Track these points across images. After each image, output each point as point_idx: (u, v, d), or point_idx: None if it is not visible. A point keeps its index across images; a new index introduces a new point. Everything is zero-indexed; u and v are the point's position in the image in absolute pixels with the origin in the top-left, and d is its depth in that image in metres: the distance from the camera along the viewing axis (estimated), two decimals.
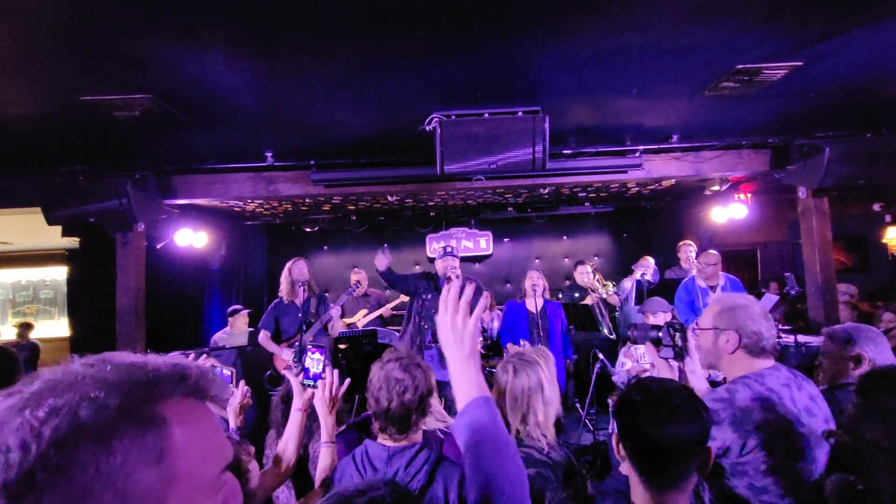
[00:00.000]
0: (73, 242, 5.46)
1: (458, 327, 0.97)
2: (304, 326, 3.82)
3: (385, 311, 5.50)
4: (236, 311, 5.11)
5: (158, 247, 5.06)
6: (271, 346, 4.03)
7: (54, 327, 7.69)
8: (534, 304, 4.16)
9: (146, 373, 0.54)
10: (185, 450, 0.53)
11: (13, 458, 0.45)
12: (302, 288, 3.96)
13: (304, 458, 2.01)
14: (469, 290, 0.97)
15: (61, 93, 2.73)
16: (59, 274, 7.54)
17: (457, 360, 0.97)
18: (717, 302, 1.69)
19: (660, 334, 1.80)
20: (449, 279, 4.06)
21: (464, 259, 7.04)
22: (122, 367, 0.53)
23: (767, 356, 1.58)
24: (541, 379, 1.75)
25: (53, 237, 5.07)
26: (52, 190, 3.82)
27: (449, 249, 4.17)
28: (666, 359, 1.78)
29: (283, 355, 3.96)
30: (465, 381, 0.96)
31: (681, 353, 1.72)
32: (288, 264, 4.13)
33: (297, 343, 3.84)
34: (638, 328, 1.92)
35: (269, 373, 4.15)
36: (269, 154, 3.99)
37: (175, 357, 0.59)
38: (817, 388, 1.61)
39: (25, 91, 2.71)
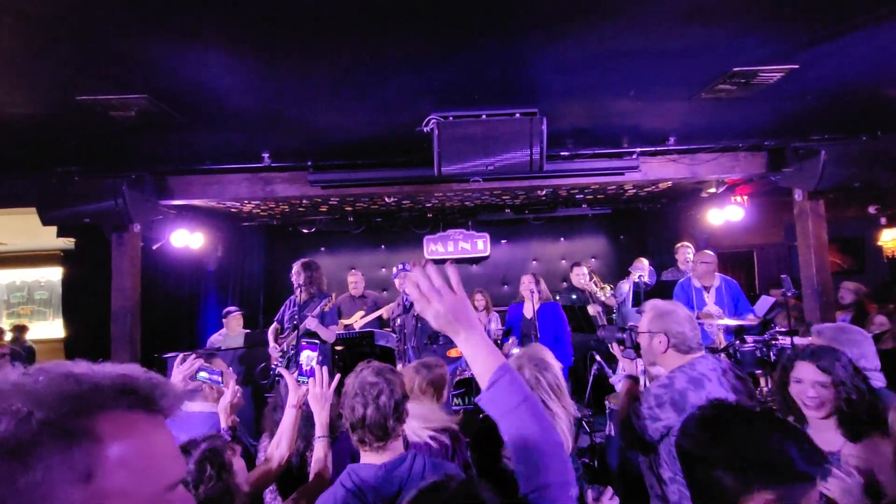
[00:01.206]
0: (68, 243, 5.43)
1: (440, 311, 0.92)
2: (297, 326, 3.84)
3: (383, 312, 5.48)
4: (230, 313, 5.10)
5: (154, 248, 5.04)
6: (269, 338, 4.07)
7: (49, 328, 7.63)
8: (530, 308, 4.17)
9: (82, 385, 0.51)
10: (119, 467, 0.50)
11: None
12: (300, 289, 3.96)
13: (302, 466, 1.99)
14: (430, 269, 0.94)
15: (57, 92, 2.72)
16: (53, 275, 7.49)
17: (460, 342, 0.96)
18: (651, 309, 1.97)
19: (623, 336, 2.05)
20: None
21: (461, 261, 7.05)
22: (57, 378, 0.51)
23: (695, 352, 1.86)
24: (558, 376, 1.77)
25: (48, 238, 5.03)
26: (48, 190, 3.79)
27: (400, 267, 4.20)
28: (629, 357, 2.04)
29: (271, 352, 3.96)
30: (477, 358, 0.95)
31: (639, 351, 1.99)
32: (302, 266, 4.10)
33: (284, 343, 3.87)
34: (606, 329, 2.17)
35: (262, 365, 4.16)
36: (266, 155, 3.98)
37: (128, 367, 0.56)
38: (741, 370, 1.89)
39: (21, 90, 2.70)
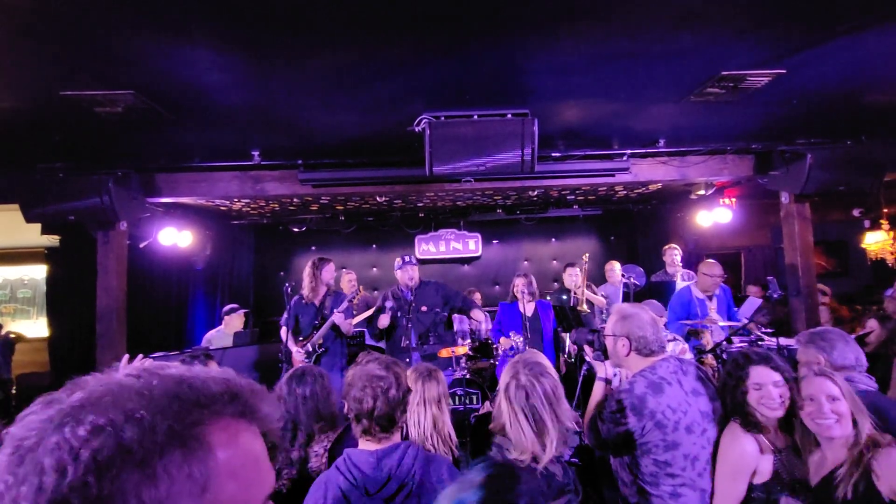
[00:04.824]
0: (52, 241, 5.32)
1: None
2: (314, 328, 3.86)
3: (372, 313, 5.46)
4: (233, 311, 4.96)
5: (141, 246, 4.97)
6: (290, 344, 3.97)
7: (32, 327, 7.48)
8: (523, 306, 4.18)
9: (195, 391, 0.48)
10: (229, 479, 0.47)
11: (47, 482, 0.40)
12: (324, 287, 3.96)
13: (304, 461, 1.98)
14: None
15: (41, 87, 2.66)
16: (37, 273, 7.34)
17: None
18: (615, 312, 1.97)
19: (593, 338, 2.12)
20: (409, 288, 4.08)
21: (452, 261, 7.05)
22: (171, 381, 0.48)
23: (657, 355, 1.88)
24: (557, 387, 1.66)
25: (32, 235, 4.94)
26: (31, 187, 3.72)
27: (408, 259, 4.16)
28: (597, 360, 2.08)
29: (296, 356, 3.88)
30: None
31: (605, 354, 2.05)
32: (314, 262, 4.02)
33: (308, 344, 3.85)
34: (578, 332, 2.23)
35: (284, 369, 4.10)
36: (256, 153, 3.94)
37: (225, 371, 0.54)
38: (704, 372, 1.92)
39: (3, 85, 2.64)
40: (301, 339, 3.94)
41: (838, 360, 1.96)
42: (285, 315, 4.03)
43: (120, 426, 0.43)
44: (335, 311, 3.91)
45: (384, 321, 4.01)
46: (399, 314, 4.05)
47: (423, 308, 4.10)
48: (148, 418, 0.44)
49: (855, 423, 1.55)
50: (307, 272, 4.01)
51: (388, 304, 4.04)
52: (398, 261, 4.20)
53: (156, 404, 0.45)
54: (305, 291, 3.99)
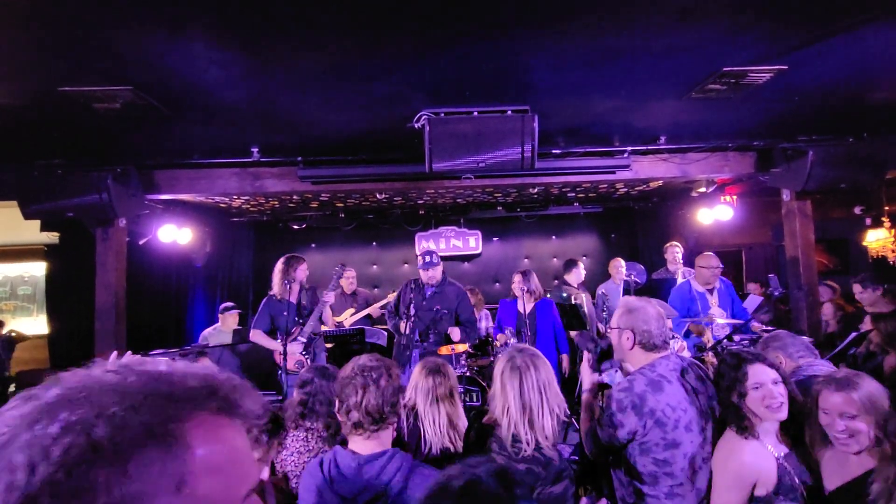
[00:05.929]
0: (52, 238, 5.32)
1: None
2: (300, 322, 3.84)
3: (372, 310, 5.47)
4: (227, 309, 5.00)
5: (141, 243, 4.96)
6: (269, 343, 3.88)
7: (32, 325, 7.49)
8: (522, 305, 4.18)
9: (172, 386, 0.48)
10: (207, 475, 0.47)
11: (18, 478, 0.40)
12: (298, 285, 3.92)
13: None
14: None
15: (39, 83, 2.65)
16: (37, 270, 7.34)
17: None
18: (621, 305, 1.95)
19: (591, 345, 2.09)
20: (430, 286, 4.03)
21: (452, 258, 7.04)
22: (147, 377, 0.48)
23: (660, 350, 1.85)
24: (550, 376, 1.72)
25: (32, 232, 4.94)
26: (29, 183, 3.71)
27: (429, 259, 4.02)
28: (589, 365, 2.05)
29: (292, 348, 3.82)
30: None
31: (601, 361, 2.04)
32: (286, 261, 3.95)
33: (297, 337, 3.80)
34: (581, 336, 2.19)
35: (279, 371, 4.08)
36: (255, 150, 3.92)
37: (206, 367, 0.54)
38: (703, 370, 1.91)
39: (2, 81, 2.62)
40: (288, 334, 3.88)
41: (795, 355, 2.05)
42: (256, 316, 3.93)
43: (91, 423, 0.42)
44: (324, 293, 3.89)
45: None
46: (409, 308, 3.97)
47: (437, 307, 3.99)
48: (121, 414, 0.44)
49: (881, 429, 1.48)
50: (279, 270, 3.92)
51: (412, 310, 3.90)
52: (421, 259, 4.07)
53: (131, 400, 0.45)
54: (276, 290, 3.90)
